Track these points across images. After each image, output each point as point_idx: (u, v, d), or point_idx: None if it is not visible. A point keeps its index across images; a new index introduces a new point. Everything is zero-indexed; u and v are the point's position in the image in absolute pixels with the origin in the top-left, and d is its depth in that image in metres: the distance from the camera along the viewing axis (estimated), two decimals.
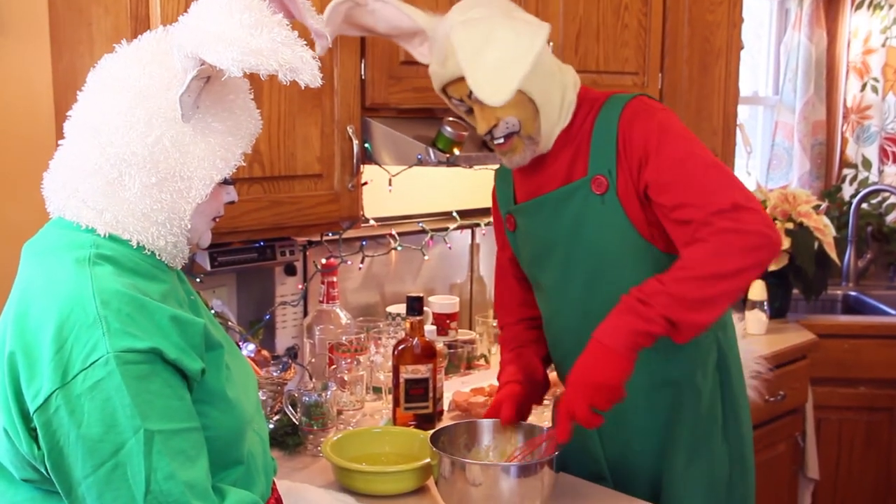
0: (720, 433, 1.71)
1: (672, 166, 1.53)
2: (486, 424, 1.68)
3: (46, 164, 1.17)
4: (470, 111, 1.61)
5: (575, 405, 1.49)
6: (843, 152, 4.03)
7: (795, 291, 3.14)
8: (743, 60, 3.02)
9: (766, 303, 2.94)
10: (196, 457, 1.06)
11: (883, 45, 3.89)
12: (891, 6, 3.85)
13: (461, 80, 1.54)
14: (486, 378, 2.34)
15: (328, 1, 1.61)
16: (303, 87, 1.09)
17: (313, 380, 2.08)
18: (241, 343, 1.98)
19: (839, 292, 3.66)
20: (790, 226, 2.98)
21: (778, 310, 3.10)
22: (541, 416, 2.01)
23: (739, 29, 2.96)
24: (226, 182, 1.22)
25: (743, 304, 2.96)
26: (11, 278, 1.13)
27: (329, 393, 1.85)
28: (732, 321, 1.80)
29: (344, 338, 2.14)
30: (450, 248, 2.69)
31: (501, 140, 1.59)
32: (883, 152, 3.95)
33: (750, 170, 3.83)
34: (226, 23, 1.05)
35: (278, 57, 1.05)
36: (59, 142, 1.17)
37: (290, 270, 2.25)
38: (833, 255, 2.99)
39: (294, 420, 1.85)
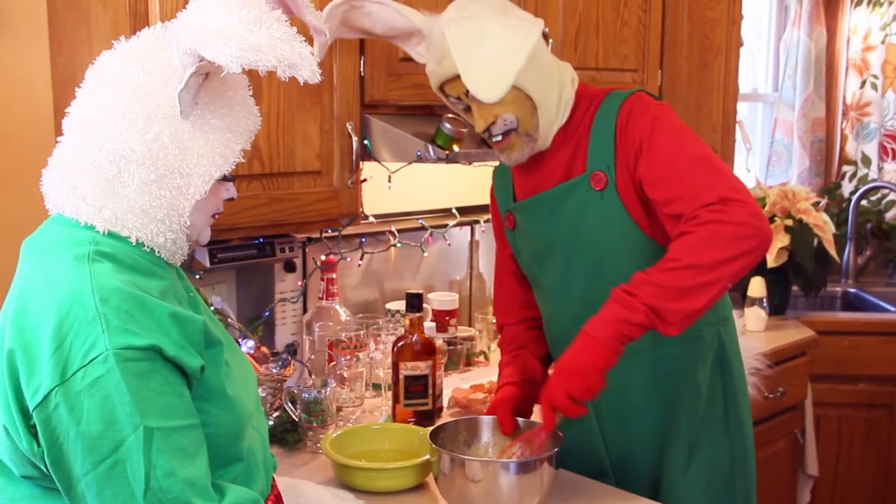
0: (721, 427, 1.71)
1: (662, 161, 1.54)
2: (486, 421, 1.68)
3: (45, 161, 1.17)
4: (468, 109, 1.61)
5: (553, 393, 1.49)
6: (842, 149, 4.03)
7: (795, 288, 3.14)
8: (742, 57, 3.02)
9: (765, 299, 2.95)
10: (196, 454, 1.06)
11: (882, 42, 3.89)
12: (890, 3, 3.85)
13: (457, 78, 1.54)
14: (485, 375, 2.34)
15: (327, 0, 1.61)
16: (302, 84, 1.09)
17: (313, 376, 2.08)
18: (240, 340, 1.98)
19: (838, 289, 3.66)
20: (789, 222, 2.98)
21: (777, 306, 3.10)
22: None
23: (739, 26, 2.96)
24: (225, 179, 1.22)
25: (742, 300, 2.97)
26: (10, 275, 1.13)
27: (328, 389, 1.85)
28: (733, 317, 1.80)
29: (343, 334, 2.14)
30: (449, 244, 2.69)
31: (499, 137, 1.59)
32: (882, 149, 3.95)
33: (749, 167, 3.83)
34: (224, 19, 1.05)
35: (277, 53, 1.05)
36: (58, 139, 1.17)
37: (289, 267, 2.25)
38: (832, 251, 2.99)
39: (293, 417, 1.85)
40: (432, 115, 2.05)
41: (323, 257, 2.25)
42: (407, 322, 1.96)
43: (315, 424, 1.83)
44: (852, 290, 3.66)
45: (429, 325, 2.37)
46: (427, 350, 1.94)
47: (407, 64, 1.98)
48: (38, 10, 1.85)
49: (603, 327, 1.46)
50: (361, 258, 2.45)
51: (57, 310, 1.03)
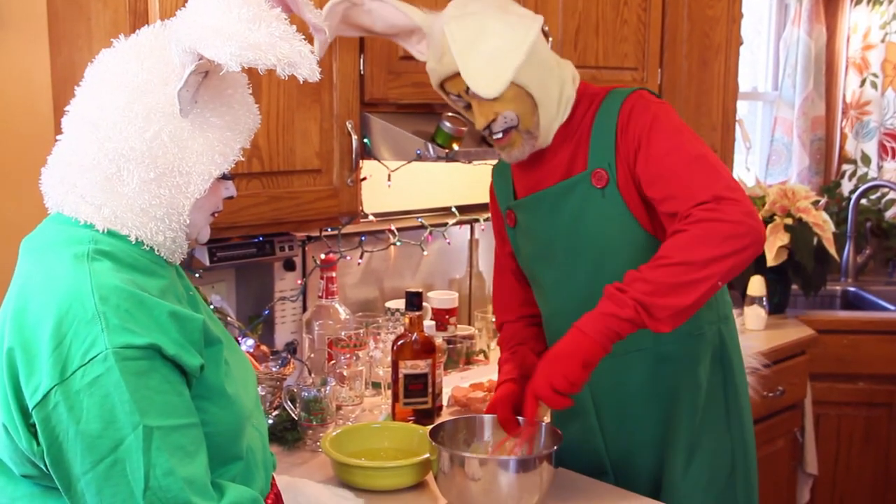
0: (722, 426, 1.71)
1: (659, 159, 1.54)
2: (486, 420, 1.68)
3: (45, 160, 1.17)
4: (468, 107, 1.61)
5: (536, 383, 1.49)
6: (842, 148, 4.03)
7: (794, 287, 3.14)
8: (742, 56, 3.02)
9: (765, 298, 2.95)
10: (195, 453, 1.06)
11: (882, 41, 3.89)
12: (890, 2, 3.85)
13: (458, 75, 1.54)
14: (484, 373, 2.34)
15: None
16: (301, 82, 1.09)
17: (312, 375, 2.08)
18: (240, 338, 1.98)
19: (838, 288, 3.66)
20: (789, 221, 2.98)
21: (777, 305, 3.10)
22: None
23: (739, 24, 2.96)
24: (224, 177, 1.22)
25: (742, 299, 2.97)
26: (10, 274, 1.13)
27: (328, 388, 1.85)
28: (733, 315, 1.80)
29: (343, 333, 2.14)
30: (449, 243, 2.69)
31: (500, 135, 1.60)
32: (882, 148, 3.95)
33: (749, 165, 3.83)
34: (224, 17, 1.05)
35: (276, 51, 1.05)
36: (58, 137, 1.17)
37: (289, 266, 2.25)
38: (832, 250, 2.99)
39: (293, 415, 1.85)
40: (432, 114, 2.05)
41: (322, 256, 2.25)
42: (406, 321, 1.96)
43: (315, 423, 1.83)
44: (852, 288, 3.66)
45: (428, 323, 2.37)
46: (427, 349, 1.94)
47: (407, 62, 1.98)
48: (38, 8, 1.84)
49: (592, 322, 1.46)
50: (361, 257, 2.44)
51: (56, 308, 1.03)
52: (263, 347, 2.03)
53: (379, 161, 2.04)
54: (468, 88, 1.54)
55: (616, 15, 2.50)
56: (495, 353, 2.48)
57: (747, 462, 1.75)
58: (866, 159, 3.96)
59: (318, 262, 2.25)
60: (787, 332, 2.92)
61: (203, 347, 1.13)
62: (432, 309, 2.47)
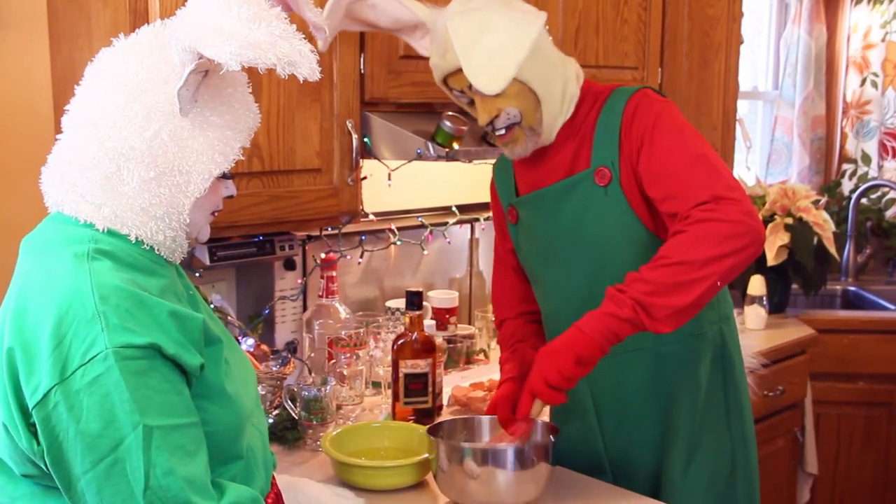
0: (723, 426, 1.71)
1: (660, 158, 1.54)
2: (485, 421, 1.68)
3: (45, 159, 1.17)
4: (472, 103, 1.61)
5: (531, 379, 1.49)
6: (842, 147, 4.03)
7: (795, 286, 3.14)
8: (742, 55, 3.02)
9: (765, 298, 2.95)
10: (195, 452, 1.06)
11: (883, 40, 3.88)
12: (891, 1, 3.85)
13: (461, 71, 1.54)
14: (485, 373, 2.34)
15: None
16: (301, 81, 1.09)
17: (312, 374, 2.08)
18: (240, 338, 1.98)
19: (838, 287, 3.66)
20: (789, 221, 2.98)
21: (777, 305, 3.10)
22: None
23: (739, 23, 2.96)
24: (224, 176, 1.22)
25: (742, 299, 2.96)
26: (10, 273, 1.13)
27: (328, 387, 1.85)
28: (734, 314, 1.80)
29: (343, 332, 2.14)
30: (449, 242, 2.69)
31: (503, 131, 1.59)
32: (882, 147, 3.94)
33: (749, 165, 3.83)
34: (224, 16, 1.05)
35: (276, 50, 1.05)
36: (58, 136, 1.17)
37: (289, 265, 2.25)
38: (832, 250, 2.99)
39: (293, 415, 1.85)
40: (432, 113, 2.05)
41: (323, 255, 2.25)
42: (407, 320, 1.96)
43: (315, 422, 1.83)
44: (852, 288, 3.66)
45: (429, 322, 2.37)
46: (427, 348, 1.94)
47: (407, 62, 1.98)
48: (38, 7, 1.84)
49: (591, 322, 1.46)
50: (361, 256, 2.44)
51: (56, 308, 1.03)
52: (264, 347, 2.03)
53: (379, 160, 2.04)
54: (471, 84, 1.54)
55: (616, 14, 2.50)
56: (495, 353, 2.48)
57: (748, 462, 1.75)
58: (867, 159, 3.96)
59: (319, 261, 2.25)
60: (788, 332, 2.92)
61: (203, 347, 1.13)
62: (432, 308, 2.47)
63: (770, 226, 2.96)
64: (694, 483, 1.68)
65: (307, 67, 1.07)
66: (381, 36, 1.93)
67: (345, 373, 2.02)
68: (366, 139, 1.97)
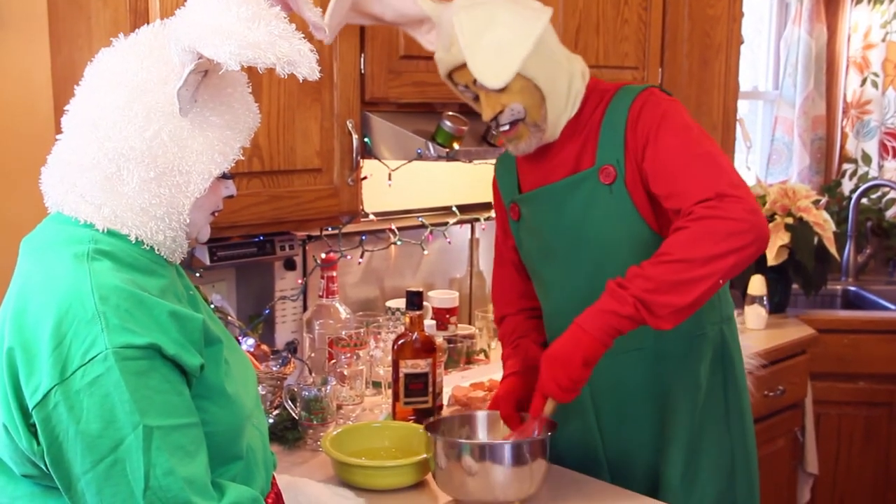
0: (723, 427, 1.71)
1: (665, 156, 1.54)
2: (482, 416, 1.68)
3: (45, 159, 1.17)
4: (476, 98, 1.61)
5: (542, 382, 1.50)
6: (842, 147, 4.03)
7: (795, 286, 3.14)
8: (743, 55, 3.02)
9: (765, 298, 2.95)
10: (195, 452, 1.06)
11: (883, 40, 3.88)
12: (891, 1, 3.84)
13: (466, 66, 1.54)
14: (485, 373, 2.34)
15: None
16: (301, 81, 1.08)
17: (313, 374, 2.08)
18: (240, 338, 1.98)
19: (839, 287, 3.66)
20: (790, 220, 2.98)
21: (777, 305, 3.10)
22: None
23: (739, 23, 2.96)
24: (224, 176, 1.22)
25: (742, 298, 2.96)
26: (10, 273, 1.13)
27: (328, 387, 1.84)
28: (735, 315, 1.80)
29: (343, 332, 2.14)
30: (449, 242, 2.69)
31: (507, 127, 1.59)
32: (883, 147, 3.94)
33: (750, 164, 3.82)
34: (223, 16, 1.05)
35: (276, 50, 1.05)
36: (57, 136, 1.16)
37: (289, 265, 2.25)
38: (833, 250, 2.99)
39: (293, 415, 1.85)
40: (433, 113, 2.05)
41: (323, 255, 2.25)
42: (407, 320, 1.96)
43: (315, 422, 1.83)
44: (852, 288, 3.66)
45: (429, 322, 2.37)
46: (427, 348, 1.94)
47: (407, 61, 1.98)
48: (38, 7, 1.84)
49: (592, 319, 1.46)
50: (361, 256, 2.44)
51: (56, 308, 1.03)
52: (264, 347, 2.03)
53: (379, 160, 2.04)
54: (476, 80, 1.54)
55: (617, 14, 2.50)
56: (496, 353, 2.48)
57: (748, 462, 1.75)
58: (867, 158, 3.95)
59: (319, 261, 2.25)
60: (788, 332, 2.91)
61: (203, 347, 1.12)
62: (433, 308, 2.47)
63: (770, 226, 2.96)
64: (693, 483, 1.68)
65: (306, 67, 1.07)
66: (382, 36, 1.93)
67: (345, 373, 2.02)
68: (366, 139, 1.97)
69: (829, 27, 3.96)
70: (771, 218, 2.99)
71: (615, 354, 1.59)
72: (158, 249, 1.16)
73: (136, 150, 1.10)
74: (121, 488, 1.00)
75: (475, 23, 1.51)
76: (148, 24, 1.18)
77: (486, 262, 2.78)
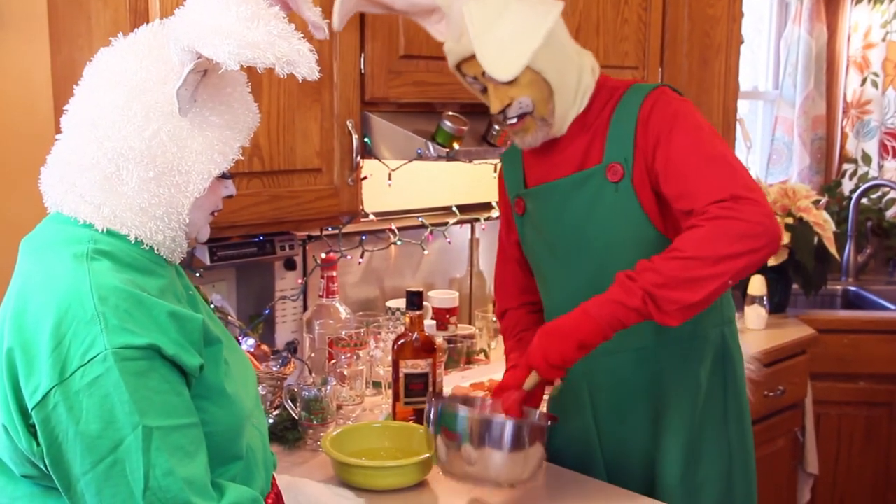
0: (721, 429, 1.71)
1: (678, 155, 1.53)
2: (487, 402, 1.65)
3: (45, 159, 1.17)
4: (484, 90, 1.60)
5: (530, 353, 1.49)
6: (842, 147, 4.03)
7: (795, 286, 3.14)
8: (743, 55, 3.02)
9: (765, 298, 2.94)
10: (195, 452, 1.06)
11: (883, 40, 3.88)
12: (891, 0, 3.84)
13: (475, 57, 1.53)
14: (485, 373, 2.34)
15: None
16: (301, 81, 1.08)
17: (313, 374, 2.08)
18: (240, 338, 1.98)
19: (839, 287, 3.66)
20: (790, 220, 2.98)
21: (777, 305, 3.10)
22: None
23: (739, 23, 2.96)
24: (224, 176, 1.22)
25: (742, 299, 2.96)
26: (9, 273, 1.13)
27: (329, 388, 1.84)
28: (736, 317, 1.80)
29: (343, 332, 2.14)
30: (449, 242, 2.68)
31: (514, 120, 1.59)
32: (883, 147, 3.94)
33: (750, 164, 3.82)
34: (222, 16, 1.05)
35: (275, 50, 1.05)
36: (57, 136, 1.16)
37: (289, 265, 2.25)
38: (833, 250, 2.99)
39: (293, 415, 1.85)
40: (433, 113, 2.05)
41: (323, 255, 2.25)
42: (407, 320, 1.96)
43: (315, 422, 1.83)
44: (852, 288, 3.66)
45: (429, 323, 2.36)
46: (427, 348, 1.94)
47: (407, 61, 1.98)
48: (38, 7, 1.84)
49: (599, 307, 1.45)
50: (362, 256, 2.44)
51: (56, 308, 1.03)
52: (264, 347, 2.03)
53: (379, 160, 2.04)
54: (484, 71, 1.53)
55: (616, 14, 2.50)
56: (496, 353, 2.48)
57: (746, 465, 1.74)
58: (867, 158, 3.95)
59: (319, 261, 2.25)
60: (788, 332, 2.91)
61: (202, 347, 1.12)
62: (433, 308, 2.47)
63: None
64: (692, 485, 1.67)
65: (306, 67, 1.07)
66: (382, 35, 1.93)
67: (345, 373, 2.02)
68: (366, 139, 1.97)
69: (830, 27, 3.96)
70: None
71: (615, 353, 1.59)
72: (158, 249, 1.16)
73: (135, 149, 1.10)
74: (120, 489, 1.00)
75: (486, 14, 1.51)
76: (148, 23, 1.18)
77: (486, 263, 2.78)
